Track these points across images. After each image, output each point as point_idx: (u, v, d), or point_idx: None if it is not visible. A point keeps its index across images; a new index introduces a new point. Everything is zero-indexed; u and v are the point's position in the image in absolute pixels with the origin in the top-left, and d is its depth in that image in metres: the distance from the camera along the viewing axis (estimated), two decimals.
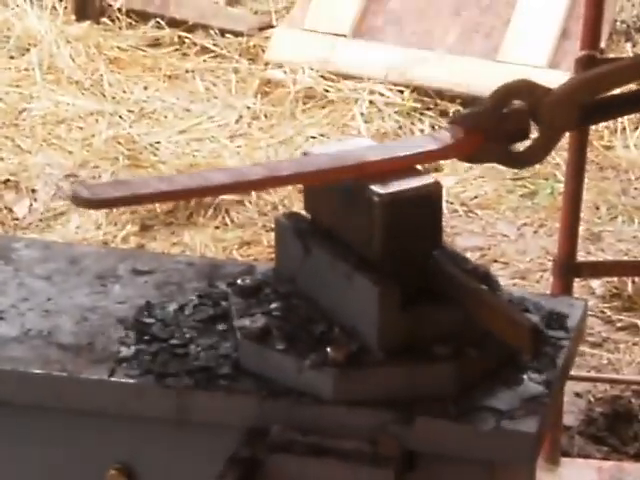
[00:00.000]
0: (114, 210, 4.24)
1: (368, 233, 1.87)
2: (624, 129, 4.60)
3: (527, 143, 1.93)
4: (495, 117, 1.93)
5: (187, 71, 5.24)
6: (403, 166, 1.92)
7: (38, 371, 1.91)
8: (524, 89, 1.97)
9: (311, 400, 1.84)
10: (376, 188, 1.86)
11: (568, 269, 3.27)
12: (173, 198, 1.86)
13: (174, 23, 5.40)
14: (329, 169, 1.93)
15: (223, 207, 4.30)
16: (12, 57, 5.07)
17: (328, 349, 1.81)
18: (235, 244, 4.15)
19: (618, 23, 4.98)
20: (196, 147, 4.78)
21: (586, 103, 2.01)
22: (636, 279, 4.01)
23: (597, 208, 4.19)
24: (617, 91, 2.04)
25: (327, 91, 5.05)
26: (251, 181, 1.93)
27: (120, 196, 1.84)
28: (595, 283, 3.86)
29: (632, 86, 2.08)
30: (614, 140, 4.48)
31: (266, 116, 4.96)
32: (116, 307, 2.03)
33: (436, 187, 1.90)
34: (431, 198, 1.90)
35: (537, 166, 4.35)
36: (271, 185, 1.97)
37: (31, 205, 4.33)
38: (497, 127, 1.92)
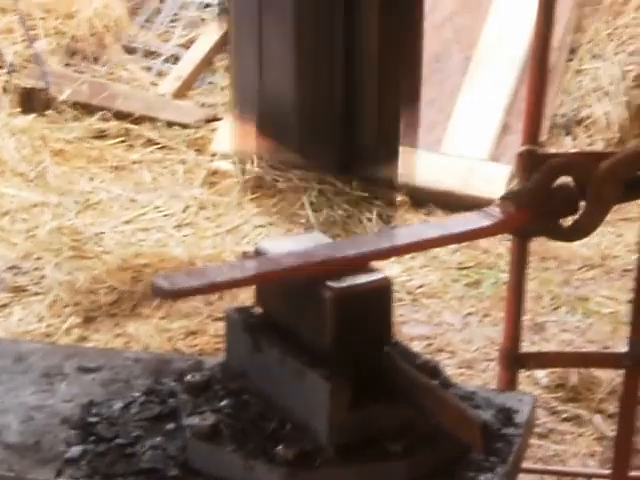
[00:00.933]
0: (56, 302, 4.26)
1: (319, 329, 1.86)
2: None
3: (575, 217, 1.97)
4: (544, 193, 1.96)
5: (133, 162, 5.25)
6: (460, 242, 1.96)
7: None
8: (572, 165, 2.02)
9: None
10: (328, 283, 1.85)
11: (513, 360, 3.27)
12: (247, 284, 1.86)
13: (120, 115, 5.42)
14: (388, 248, 1.97)
15: (186, 310, 4.30)
16: None
17: (279, 448, 1.79)
18: (181, 334, 4.12)
19: (558, 117, 4.99)
20: (142, 237, 4.77)
21: (631, 178, 2.05)
22: (581, 370, 4.00)
23: (540, 298, 4.19)
24: None
25: (276, 181, 5.06)
26: (320, 262, 1.94)
27: (198, 285, 1.85)
28: (540, 373, 3.85)
29: None
30: None
31: (213, 206, 4.97)
32: (62, 406, 2.01)
33: (386, 282, 1.89)
34: (382, 293, 1.90)
35: (481, 256, 4.38)
36: (340, 264, 1.98)
37: None
38: (546, 203, 1.96)
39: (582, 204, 1.94)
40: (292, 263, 1.87)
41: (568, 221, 1.96)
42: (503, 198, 1.95)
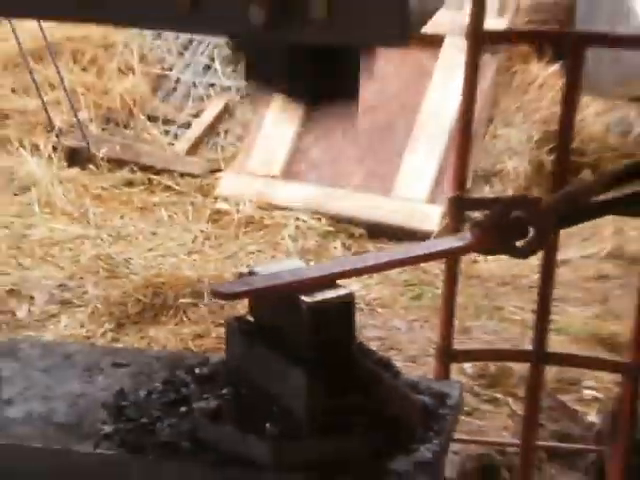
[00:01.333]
0: (94, 312, 4.27)
1: (298, 333, 1.85)
2: None
3: (526, 240, 2.00)
4: (502, 222, 1.99)
5: (154, 204, 5.26)
6: (442, 258, 2.29)
7: (39, 445, 1.87)
8: (523, 202, 2.04)
9: (252, 468, 1.82)
10: (304, 298, 1.84)
11: (446, 355, 3.27)
12: (278, 290, 1.90)
13: (144, 168, 5.44)
14: (393, 260, 2.08)
15: (181, 308, 4.30)
16: (16, 194, 5.16)
17: (267, 425, 1.79)
18: (191, 337, 4.17)
19: (479, 170, 5.03)
20: (161, 261, 4.82)
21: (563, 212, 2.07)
22: (498, 363, 4.00)
23: (466, 308, 4.15)
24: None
25: (263, 218, 5.11)
26: (334, 273, 1.94)
27: (245, 290, 1.89)
28: (467, 366, 3.85)
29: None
30: (479, 257, 4.51)
31: (215, 237, 5.00)
32: (100, 393, 2.01)
33: (350, 296, 1.88)
34: (346, 305, 1.88)
35: (422, 275, 4.40)
36: (350, 276, 2.01)
37: (29, 309, 4.31)
38: (504, 230, 2.00)
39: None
40: (305, 277, 1.90)
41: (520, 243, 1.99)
42: (472, 226, 1.97)
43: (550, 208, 2.00)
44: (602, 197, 2.09)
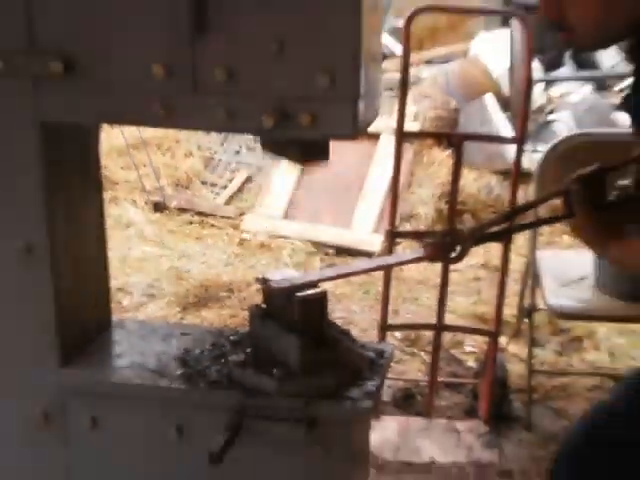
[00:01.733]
0: (168, 302, 4.32)
1: (293, 315, 1.85)
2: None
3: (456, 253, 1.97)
4: (442, 242, 1.96)
5: (204, 235, 5.32)
6: (407, 264, 2.34)
7: (139, 382, 1.89)
8: (452, 231, 2.00)
9: (265, 394, 1.80)
10: (297, 294, 1.84)
11: (384, 327, 3.26)
12: (308, 285, 1.94)
13: (199, 214, 5.52)
14: (375, 266, 2.25)
15: (221, 300, 4.29)
16: (122, 230, 5.17)
17: (274, 370, 1.79)
18: (227, 317, 4.13)
19: (402, 214, 5.07)
20: (207, 270, 4.81)
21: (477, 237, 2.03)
22: (415, 332, 3.98)
23: (396, 299, 4.14)
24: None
25: (270, 243, 5.15)
26: (330, 276, 2.04)
27: (285, 286, 1.88)
28: (396, 333, 3.83)
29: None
30: (405, 266, 4.52)
31: (241, 256, 5.05)
32: (173, 351, 1.99)
33: (324, 292, 1.88)
34: (322, 297, 1.88)
35: (369, 279, 4.36)
36: (337, 278, 2.17)
37: (130, 300, 4.35)
38: (444, 247, 1.97)
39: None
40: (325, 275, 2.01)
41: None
42: (425, 245, 1.97)
43: (468, 234, 1.98)
44: (496, 228, 2.09)
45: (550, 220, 2.19)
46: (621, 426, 1.95)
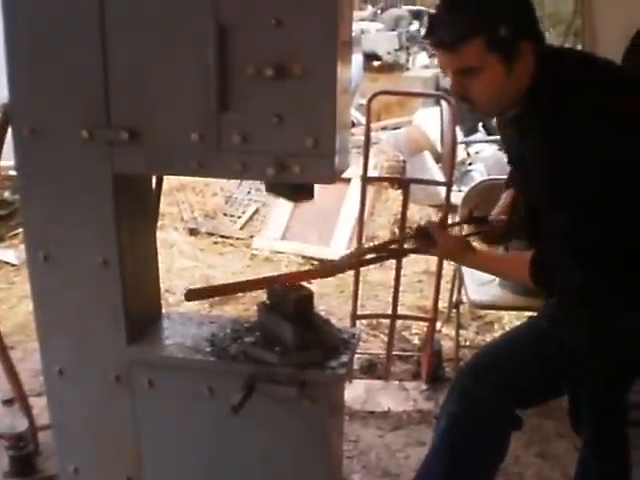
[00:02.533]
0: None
1: (289, 308, 1.83)
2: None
3: None
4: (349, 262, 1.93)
5: (224, 252, 5.14)
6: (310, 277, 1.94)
7: (181, 356, 1.87)
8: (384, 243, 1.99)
9: (270, 365, 1.77)
10: (291, 293, 1.83)
11: (354, 317, 3.24)
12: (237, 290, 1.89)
13: (222, 236, 5.29)
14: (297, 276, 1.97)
15: (237, 297, 4.14)
16: (167, 249, 4.94)
17: (276, 348, 1.78)
18: (242, 310, 4.02)
19: (367, 235, 4.85)
20: (227, 277, 4.61)
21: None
22: (376, 320, 3.84)
23: (363, 296, 3.81)
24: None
25: (272, 258, 4.97)
26: (257, 282, 1.97)
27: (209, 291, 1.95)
28: (364, 321, 3.73)
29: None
30: (368, 271, 4.39)
31: (251, 267, 4.86)
32: (204, 334, 1.97)
33: (311, 291, 1.86)
34: (310, 295, 1.86)
35: (343, 282, 4.19)
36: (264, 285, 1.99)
37: (174, 298, 4.23)
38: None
39: None
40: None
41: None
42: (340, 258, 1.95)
43: (351, 256, 1.95)
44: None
45: (414, 251, 2.06)
46: (504, 367, 1.85)
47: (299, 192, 1.81)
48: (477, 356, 1.97)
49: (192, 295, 1.90)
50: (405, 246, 2.28)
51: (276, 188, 1.85)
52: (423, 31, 1.68)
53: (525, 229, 1.96)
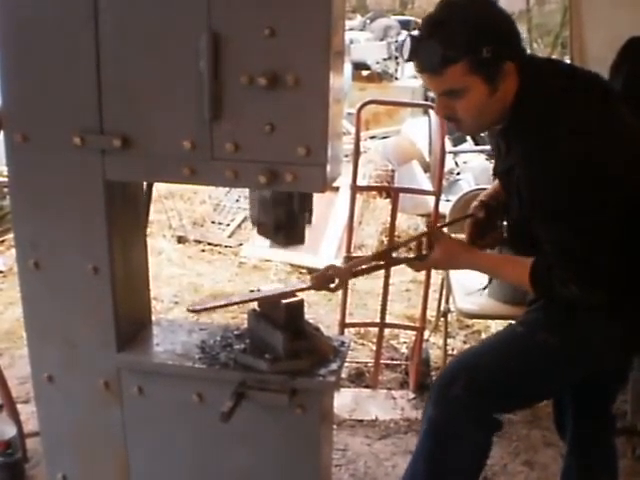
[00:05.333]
0: (186, 305, 4.19)
1: (280, 316, 1.83)
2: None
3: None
4: (325, 275, 1.92)
5: (212, 259, 5.12)
6: (298, 292, 1.90)
7: (171, 363, 1.86)
8: (334, 266, 1.93)
9: (260, 372, 1.77)
10: (282, 301, 1.82)
11: (343, 325, 3.25)
12: (228, 305, 1.88)
13: (210, 244, 5.27)
14: (279, 294, 1.89)
15: (229, 308, 4.15)
16: (156, 256, 4.91)
17: (266, 355, 1.77)
18: (232, 317, 4.03)
19: (356, 243, 4.82)
20: (216, 285, 4.63)
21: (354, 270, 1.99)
22: (364, 328, 3.86)
23: (351, 304, 3.85)
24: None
25: (261, 265, 4.95)
26: (256, 297, 1.93)
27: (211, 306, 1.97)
28: (352, 330, 3.69)
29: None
30: (358, 280, 4.41)
31: (239, 274, 4.86)
32: (195, 341, 1.96)
33: (302, 300, 1.87)
34: (300, 304, 1.87)
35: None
36: (253, 301, 1.94)
37: (161, 305, 4.25)
38: (325, 278, 1.92)
39: None
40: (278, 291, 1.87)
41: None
42: (311, 276, 1.93)
43: (345, 269, 1.91)
44: (371, 264, 2.01)
45: (414, 258, 2.04)
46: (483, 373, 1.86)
47: (289, 238, 1.84)
48: (455, 360, 2.00)
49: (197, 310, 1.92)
50: (401, 255, 2.30)
51: (267, 233, 1.87)
52: (406, 54, 1.69)
53: (509, 240, 1.99)
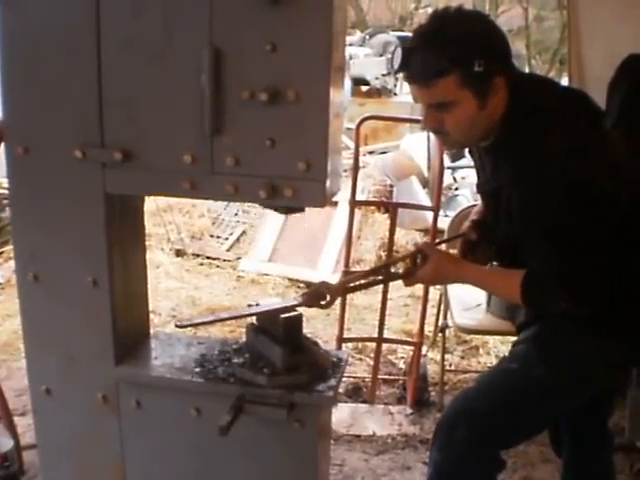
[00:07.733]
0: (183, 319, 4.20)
1: (278, 330, 1.83)
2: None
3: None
4: (317, 292, 1.90)
5: (210, 273, 5.13)
6: (290, 309, 1.88)
7: (169, 376, 1.85)
8: (326, 283, 1.91)
9: (258, 386, 1.77)
10: (281, 315, 1.82)
11: (340, 339, 3.25)
12: (222, 320, 1.87)
13: (208, 257, 5.28)
14: (276, 309, 1.89)
15: (227, 322, 4.14)
16: (153, 269, 4.90)
17: (264, 369, 1.77)
18: (230, 331, 4.02)
19: (354, 258, 4.86)
20: (214, 298, 4.66)
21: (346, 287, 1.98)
22: (362, 343, 3.85)
23: (349, 319, 3.96)
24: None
25: (259, 279, 4.97)
26: (244, 314, 1.94)
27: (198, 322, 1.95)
28: (349, 344, 3.74)
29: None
30: (357, 295, 4.40)
31: (238, 288, 4.88)
32: (193, 355, 1.96)
33: (300, 314, 1.87)
34: (299, 318, 1.87)
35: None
36: (240, 318, 1.96)
37: (159, 318, 4.24)
38: (317, 295, 1.89)
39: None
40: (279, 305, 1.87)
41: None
42: (303, 293, 1.93)
43: (337, 287, 1.90)
44: (363, 281, 2.00)
45: (402, 274, 2.01)
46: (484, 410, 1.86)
47: (291, 208, 1.80)
48: (456, 403, 1.97)
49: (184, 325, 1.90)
50: (396, 269, 2.29)
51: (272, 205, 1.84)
52: (396, 64, 1.69)
53: (497, 258, 1.98)
